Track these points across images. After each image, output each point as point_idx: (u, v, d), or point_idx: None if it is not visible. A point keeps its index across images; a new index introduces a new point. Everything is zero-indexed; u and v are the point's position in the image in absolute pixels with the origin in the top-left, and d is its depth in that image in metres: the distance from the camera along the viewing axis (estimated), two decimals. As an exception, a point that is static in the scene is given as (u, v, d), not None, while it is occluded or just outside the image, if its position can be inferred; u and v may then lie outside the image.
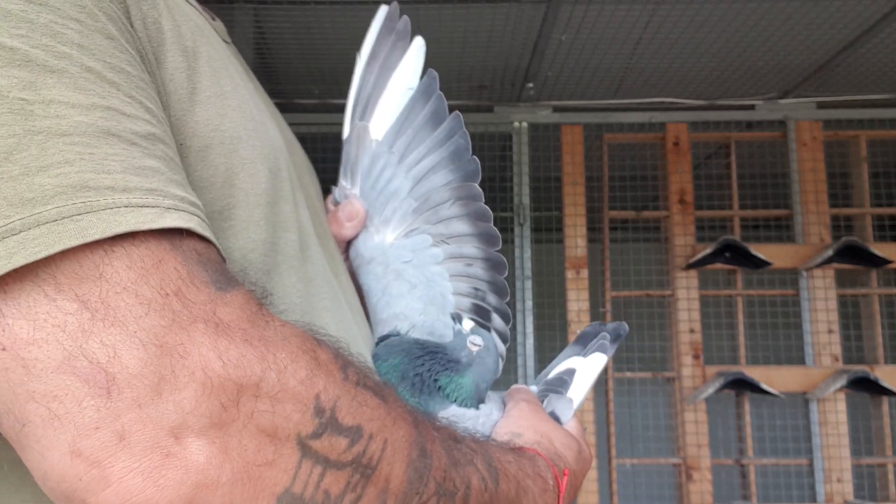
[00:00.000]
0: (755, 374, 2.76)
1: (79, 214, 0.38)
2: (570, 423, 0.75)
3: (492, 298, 0.80)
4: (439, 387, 0.68)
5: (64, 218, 0.37)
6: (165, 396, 0.37)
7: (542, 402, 0.76)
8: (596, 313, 2.97)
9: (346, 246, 0.79)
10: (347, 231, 0.77)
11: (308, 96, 2.97)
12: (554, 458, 0.64)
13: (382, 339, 0.73)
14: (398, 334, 0.72)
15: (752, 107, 3.06)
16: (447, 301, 0.77)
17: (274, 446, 0.40)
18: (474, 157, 0.78)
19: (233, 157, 0.52)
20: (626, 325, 0.85)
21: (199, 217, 0.43)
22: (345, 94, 0.81)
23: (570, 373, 0.80)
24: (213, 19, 0.64)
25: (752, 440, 2.87)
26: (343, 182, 0.80)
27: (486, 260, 0.79)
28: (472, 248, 0.79)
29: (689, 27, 2.48)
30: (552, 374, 0.82)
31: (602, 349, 0.82)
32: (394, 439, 0.46)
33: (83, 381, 0.36)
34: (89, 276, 0.38)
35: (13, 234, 0.37)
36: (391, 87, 0.79)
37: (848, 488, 2.76)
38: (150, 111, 0.45)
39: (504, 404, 0.73)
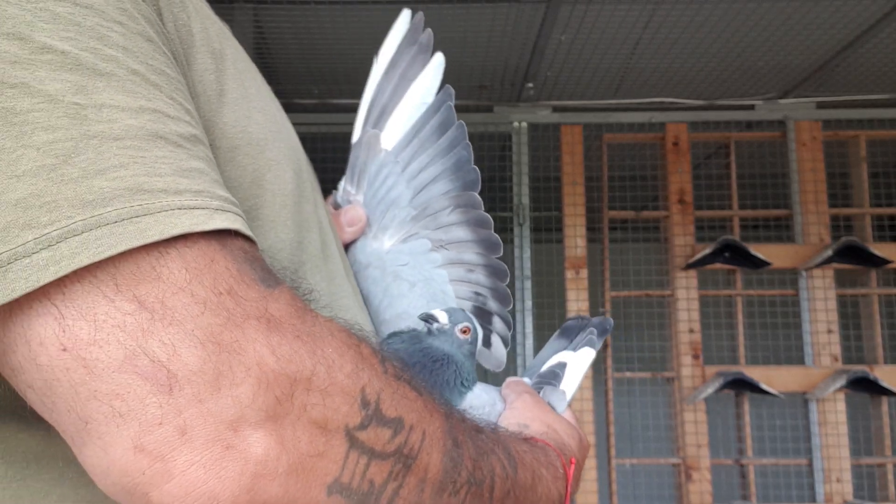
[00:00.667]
0: (755, 374, 2.76)
1: (137, 217, 0.39)
2: (565, 413, 0.77)
3: (493, 305, 0.81)
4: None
5: (123, 220, 0.38)
6: (224, 391, 0.38)
7: (539, 393, 0.78)
8: (595, 313, 2.97)
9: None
10: (347, 235, 0.79)
11: (308, 96, 2.97)
12: (561, 447, 0.67)
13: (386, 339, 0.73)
14: (403, 333, 0.73)
15: (751, 107, 3.07)
16: (448, 297, 0.78)
17: (325, 438, 0.41)
18: (474, 167, 0.79)
19: (259, 159, 0.53)
20: (611, 320, 0.87)
21: (242, 217, 0.44)
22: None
23: (562, 366, 0.82)
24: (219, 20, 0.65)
25: (751, 440, 2.87)
26: (348, 187, 0.81)
27: (488, 266, 0.80)
28: (472, 255, 0.80)
29: (688, 27, 2.49)
30: (545, 368, 0.84)
31: (590, 343, 0.84)
32: (431, 430, 0.48)
33: (145, 378, 0.37)
34: (146, 277, 0.39)
35: (75, 235, 0.37)
36: (407, 99, 0.81)
37: (847, 488, 2.76)
38: (189, 112, 0.46)
39: (503, 396, 0.75)
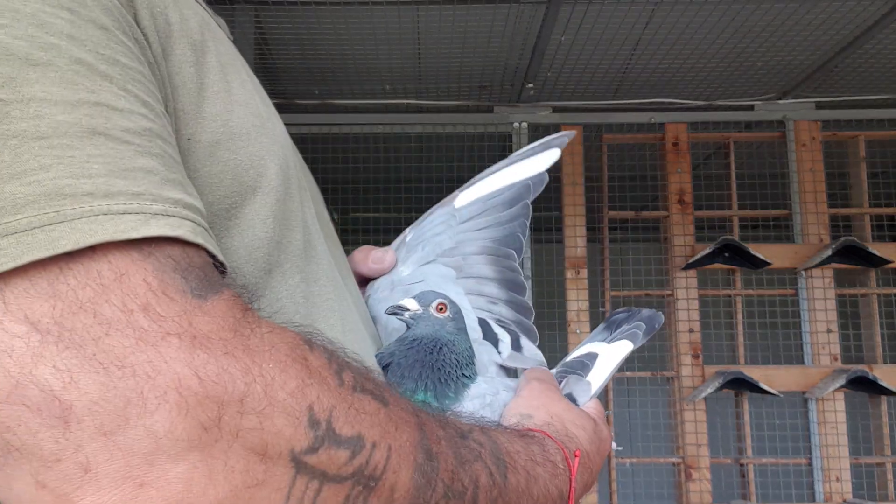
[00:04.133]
0: (754, 373, 2.76)
1: (51, 224, 0.35)
2: (588, 405, 0.74)
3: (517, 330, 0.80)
4: (454, 379, 0.68)
5: (34, 228, 0.35)
6: (134, 421, 0.34)
7: (560, 382, 0.75)
8: (595, 313, 2.98)
9: (363, 280, 0.81)
10: (364, 269, 0.79)
11: (308, 97, 2.98)
12: (564, 439, 0.63)
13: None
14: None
15: (751, 107, 3.07)
16: (465, 311, 0.77)
17: (265, 465, 0.37)
18: (519, 235, 0.82)
19: (241, 153, 0.51)
20: (661, 316, 0.83)
21: (192, 221, 0.41)
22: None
23: (592, 357, 0.79)
24: (215, 15, 0.63)
25: (751, 439, 2.88)
26: (406, 229, 0.84)
27: (510, 302, 0.80)
28: (493, 289, 0.80)
29: (688, 28, 2.49)
30: (571, 357, 0.81)
31: (632, 337, 0.80)
32: (398, 445, 0.44)
33: (34, 411, 0.34)
34: (41, 294, 0.35)
35: None
36: (503, 174, 0.84)
37: (847, 487, 2.76)
38: (148, 105, 0.42)
39: (515, 386, 0.72)
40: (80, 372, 0.34)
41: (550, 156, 0.85)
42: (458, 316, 0.71)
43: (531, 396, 0.68)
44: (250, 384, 0.38)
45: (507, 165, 0.85)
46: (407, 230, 0.84)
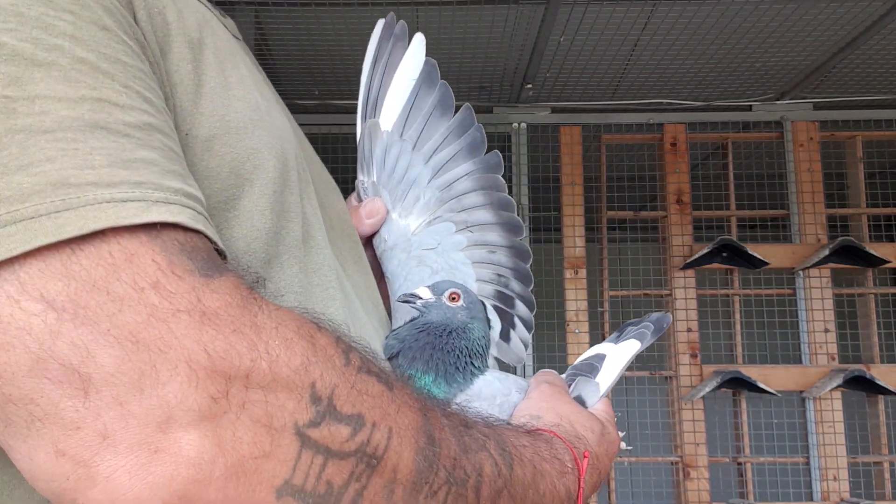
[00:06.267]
0: (752, 372, 2.77)
1: (56, 212, 0.37)
2: (596, 406, 0.75)
3: (515, 285, 0.81)
4: (465, 364, 0.69)
5: (41, 216, 0.37)
6: (148, 392, 0.36)
7: (570, 385, 0.77)
8: (594, 312, 2.99)
9: (367, 240, 0.81)
10: (366, 227, 0.79)
11: (308, 97, 2.99)
12: (573, 440, 0.63)
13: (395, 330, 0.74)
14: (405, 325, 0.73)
15: (749, 107, 3.08)
16: (470, 287, 0.78)
17: (271, 437, 0.39)
18: (496, 150, 0.81)
19: (238, 147, 0.52)
20: (669, 316, 0.84)
21: (192, 209, 0.43)
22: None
23: (600, 358, 0.80)
24: (224, 17, 0.64)
25: (749, 438, 2.89)
26: (361, 176, 0.83)
27: (510, 248, 0.81)
28: (495, 237, 0.81)
29: (686, 28, 2.50)
30: (581, 360, 0.82)
31: (640, 337, 0.81)
32: (399, 427, 0.45)
33: (56, 384, 0.36)
34: (55, 275, 0.37)
35: None
36: (396, 83, 0.82)
37: (844, 486, 2.77)
38: (149, 101, 0.44)
39: (526, 387, 0.73)
40: (97, 346, 0.36)
41: (417, 43, 0.83)
42: (472, 305, 0.72)
43: (540, 398, 0.69)
44: (256, 360, 0.39)
45: (387, 73, 0.82)
46: (361, 178, 0.82)
